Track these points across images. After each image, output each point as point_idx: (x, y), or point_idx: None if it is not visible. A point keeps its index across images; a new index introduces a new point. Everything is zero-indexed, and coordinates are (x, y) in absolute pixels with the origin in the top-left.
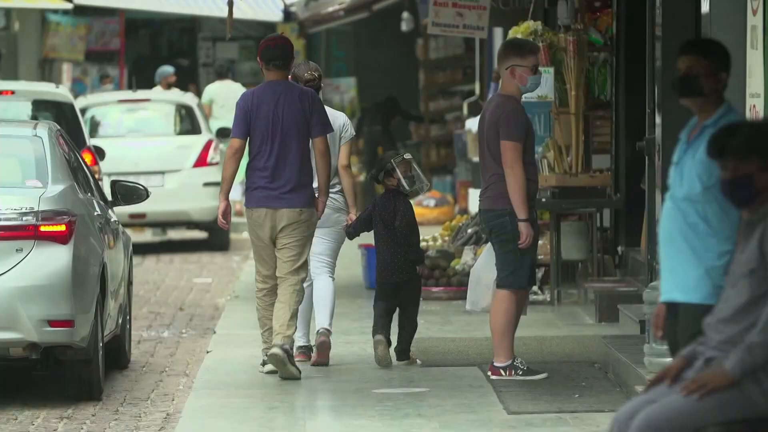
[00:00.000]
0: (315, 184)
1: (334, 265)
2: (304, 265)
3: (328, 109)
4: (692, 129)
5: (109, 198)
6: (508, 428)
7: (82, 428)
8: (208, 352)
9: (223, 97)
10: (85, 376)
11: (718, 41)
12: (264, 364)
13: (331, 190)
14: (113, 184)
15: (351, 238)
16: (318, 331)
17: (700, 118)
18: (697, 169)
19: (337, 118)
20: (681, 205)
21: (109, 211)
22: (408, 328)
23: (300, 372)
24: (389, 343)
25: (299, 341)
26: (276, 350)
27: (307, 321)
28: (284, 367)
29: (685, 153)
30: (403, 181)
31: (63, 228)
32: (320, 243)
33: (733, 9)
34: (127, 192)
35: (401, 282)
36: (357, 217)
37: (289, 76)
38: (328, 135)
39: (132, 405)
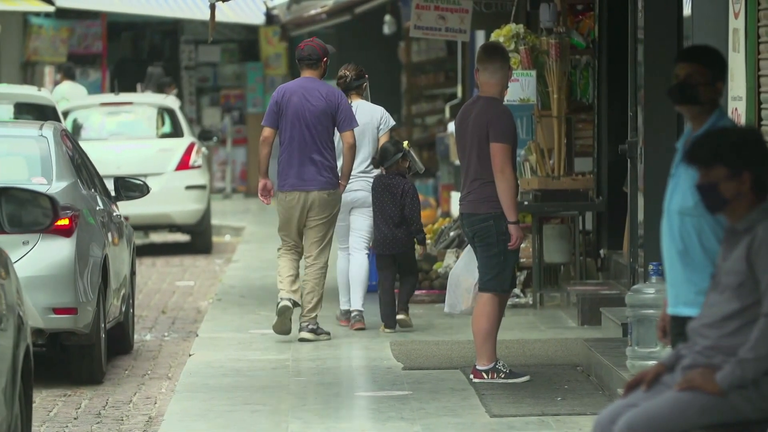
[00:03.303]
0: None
1: (370, 240)
2: (329, 245)
3: (365, 103)
4: (687, 139)
5: (112, 193)
6: (490, 431)
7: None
8: (190, 356)
9: (73, 96)
10: (88, 360)
11: (716, 49)
12: (278, 304)
13: (366, 175)
14: (116, 180)
15: None
16: (353, 316)
17: (693, 127)
18: (689, 182)
19: (375, 111)
20: (676, 218)
21: (112, 205)
22: (407, 286)
23: (329, 335)
24: (395, 324)
25: (344, 306)
26: (304, 334)
27: (348, 289)
28: (315, 341)
29: (679, 165)
30: (417, 162)
31: (66, 222)
32: (359, 220)
33: (715, 12)
34: (129, 187)
35: (398, 254)
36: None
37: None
38: (363, 127)
39: (114, 408)
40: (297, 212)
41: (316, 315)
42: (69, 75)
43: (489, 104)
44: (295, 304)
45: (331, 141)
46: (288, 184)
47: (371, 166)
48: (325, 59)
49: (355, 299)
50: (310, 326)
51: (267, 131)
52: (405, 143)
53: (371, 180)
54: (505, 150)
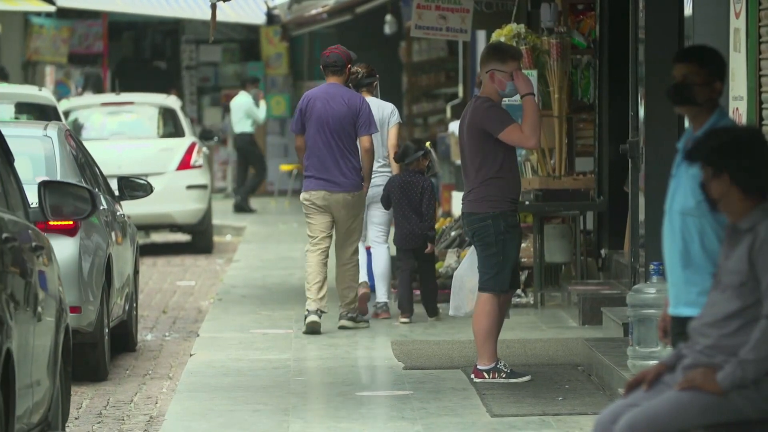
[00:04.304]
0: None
1: (389, 232)
2: (357, 240)
3: (376, 100)
4: (687, 139)
5: (116, 193)
6: (491, 431)
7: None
8: (191, 355)
9: None
10: (92, 359)
11: (714, 49)
12: (305, 318)
13: (384, 170)
14: (119, 180)
15: (387, 208)
16: (379, 306)
17: (693, 127)
18: (690, 182)
19: (385, 107)
20: (678, 219)
21: (116, 205)
22: (430, 286)
23: (368, 323)
24: (411, 312)
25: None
26: (343, 322)
27: (387, 280)
28: (354, 328)
29: (680, 165)
30: (435, 164)
31: (70, 222)
32: (379, 215)
33: (715, 12)
34: (133, 187)
35: (418, 248)
36: (381, 197)
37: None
38: (378, 124)
39: (115, 408)
40: (321, 211)
41: (355, 305)
42: (1, 76)
43: (476, 104)
44: (322, 313)
45: (354, 145)
46: (312, 184)
47: (387, 163)
48: (349, 66)
49: (379, 291)
50: (350, 314)
51: (298, 139)
52: (428, 143)
53: (388, 175)
54: (512, 130)
